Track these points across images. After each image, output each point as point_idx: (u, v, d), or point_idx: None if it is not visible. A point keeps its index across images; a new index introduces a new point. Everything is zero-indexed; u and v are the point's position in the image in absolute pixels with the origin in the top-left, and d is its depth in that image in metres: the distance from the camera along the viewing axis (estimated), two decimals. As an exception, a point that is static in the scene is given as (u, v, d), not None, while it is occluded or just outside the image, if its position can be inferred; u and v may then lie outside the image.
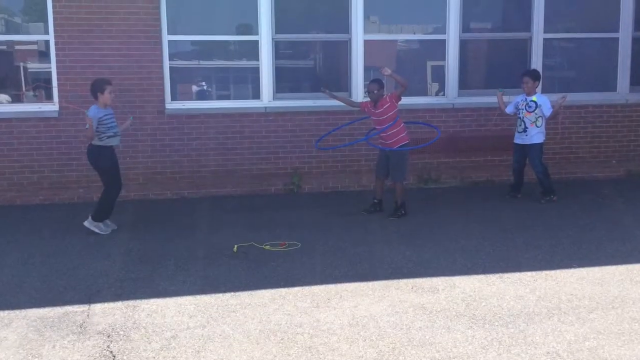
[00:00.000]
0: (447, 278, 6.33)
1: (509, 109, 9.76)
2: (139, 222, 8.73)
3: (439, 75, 11.46)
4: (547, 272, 6.47)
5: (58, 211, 9.49)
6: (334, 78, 11.42)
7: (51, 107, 10.19)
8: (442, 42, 11.20)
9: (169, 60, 10.47)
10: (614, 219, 8.57)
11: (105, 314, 5.59)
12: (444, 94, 11.33)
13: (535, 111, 9.37)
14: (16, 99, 10.44)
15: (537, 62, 11.33)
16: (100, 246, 7.56)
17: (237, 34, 10.98)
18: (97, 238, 7.90)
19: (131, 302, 5.84)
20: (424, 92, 11.51)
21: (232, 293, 6.02)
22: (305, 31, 11.18)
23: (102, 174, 8.19)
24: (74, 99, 9.86)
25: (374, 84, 8.71)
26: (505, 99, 9.84)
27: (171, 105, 10.50)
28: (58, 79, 10.11)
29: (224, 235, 7.96)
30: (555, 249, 7.25)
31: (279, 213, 9.19)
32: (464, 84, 11.39)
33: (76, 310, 5.68)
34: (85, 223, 8.07)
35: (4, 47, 10.62)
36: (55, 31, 10.02)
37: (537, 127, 9.40)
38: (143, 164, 10.43)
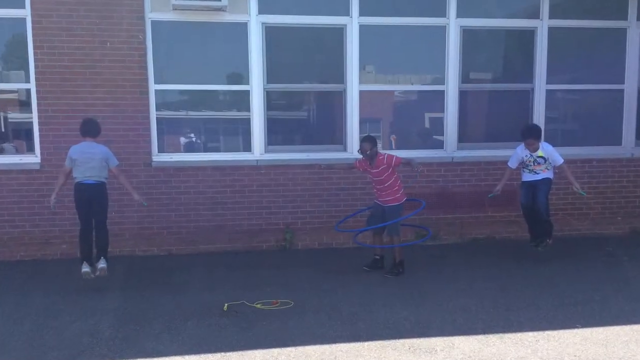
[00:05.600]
0: (445, 338, 6.52)
1: (512, 164, 9.80)
2: (126, 280, 8.87)
3: (438, 127, 11.71)
4: (550, 332, 6.67)
5: (40, 268, 9.58)
6: (328, 130, 11.63)
7: (33, 158, 10.40)
8: (441, 93, 11.49)
9: (156, 110, 10.69)
10: (619, 277, 8.78)
11: (91, 374, 5.74)
12: (442, 147, 11.60)
13: (546, 164, 9.54)
14: (-4, 149, 10.65)
15: (539, 114, 11.64)
16: (85, 305, 7.70)
17: (227, 84, 11.18)
18: (81, 296, 8.02)
19: (117, 363, 5.98)
20: (421, 145, 11.79)
21: (222, 353, 6.18)
22: (298, 81, 11.39)
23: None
24: (57, 151, 10.07)
25: (366, 143, 8.85)
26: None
27: (158, 157, 10.73)
28: (40, 130, 10.31)
29: (213, 294, 8.13)
30: (558, 308, 7.45)
31: (271, 270, 9.34)
32: (464, 136, 11.66)
33: (60, 371, 5.82)
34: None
35: (-17, 96, 10.79)
36: (36, 79, 10.22)
37: (548, 170, 9.60)
38: (129, 219, 10.63)
